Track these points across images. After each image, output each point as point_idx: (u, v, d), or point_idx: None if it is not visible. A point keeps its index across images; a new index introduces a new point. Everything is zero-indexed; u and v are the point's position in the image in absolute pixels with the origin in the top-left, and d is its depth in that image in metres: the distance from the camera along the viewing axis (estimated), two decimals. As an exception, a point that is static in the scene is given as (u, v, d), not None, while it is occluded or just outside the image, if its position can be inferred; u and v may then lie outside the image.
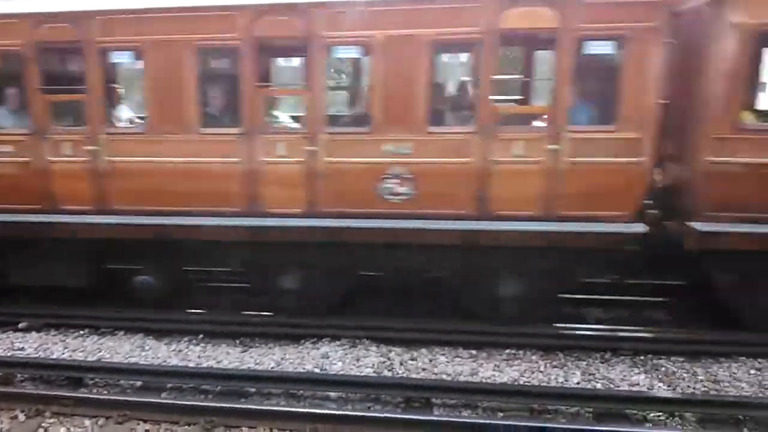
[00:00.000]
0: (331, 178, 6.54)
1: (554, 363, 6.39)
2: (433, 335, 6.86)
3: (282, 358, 6.57)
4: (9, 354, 6.75)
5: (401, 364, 6.40)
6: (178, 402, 5.59)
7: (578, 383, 6.00)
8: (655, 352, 6.53)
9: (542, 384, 5.97)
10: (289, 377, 5.99)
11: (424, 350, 6.67)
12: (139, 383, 6.14)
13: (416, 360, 6.48)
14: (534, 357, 6.52)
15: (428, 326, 6.98)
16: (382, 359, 6.48)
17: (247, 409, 5.41)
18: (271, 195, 6.70)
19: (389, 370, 6.29)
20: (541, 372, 6.21)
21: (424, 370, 6.29)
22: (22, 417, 5.60)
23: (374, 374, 6.18)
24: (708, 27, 6.05)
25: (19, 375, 6.30)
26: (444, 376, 6.16)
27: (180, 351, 6.81)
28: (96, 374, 6.23)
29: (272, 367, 6.37)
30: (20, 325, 7.43)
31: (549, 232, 6.36)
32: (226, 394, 5.91)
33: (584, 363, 6.40)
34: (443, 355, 6.59)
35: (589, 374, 6.16)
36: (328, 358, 6.52)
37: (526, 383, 5.99)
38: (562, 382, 6.02)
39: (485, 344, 6.75)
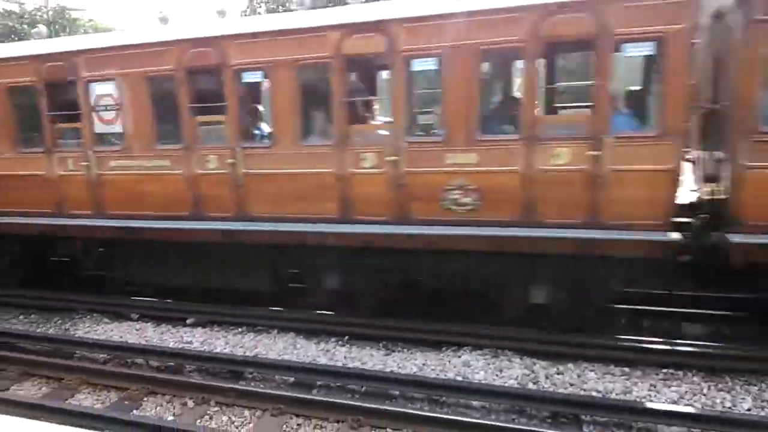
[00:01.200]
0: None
1: (720, 386, 5.85)
2: (581, 350, 6.56)
3: (423, 364, 6.63)
4: (179, 346, 7.45)
5: (546, 377, 6.21)
6: (328, 399, 5.84)
7: (749, 410, 5.44)
8: None
9: (706, 408, 5.49)
10: (432, 383, 6.03)
11: (571, 365, 6.41)
12: (291, 379, 6.51)
13: (563, 374, 6.25)
14: (695, 378, 6.01)
15: (575, 340, 6.68)
16: (526, 371, 6.32)
17: (393, 411, 5.52)
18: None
19: (534, 383, 6.12)
20: (704, 395, 5.71)
21: (571, 385, 6.05)
22: (191, 404, 6.16)
23: (518, 386, 6.05)
24: None
25: (188, 366, 6.94)
26: (594, 393, 5.87)
27: (328, 351, 7.12)
28: (254, 369, 6.70)
29: (414, 372, 6.46)
30: (188, 321, 8.20)
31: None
32: (371, 394, 6.09)
33: (755, 388, 5.79)
34: (592, 371, 6.28)
35: (762, 400, 5.56)
36: (469, 366, 6.48)
37: (687, 405, 5.53)
38: (729, 407, 5.50)
39: (638, 362, 6.35)
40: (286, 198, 7.32)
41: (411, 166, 6.72)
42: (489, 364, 6.47)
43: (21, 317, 8.96)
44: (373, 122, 7.62)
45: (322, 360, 6.90)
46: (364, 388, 6.20)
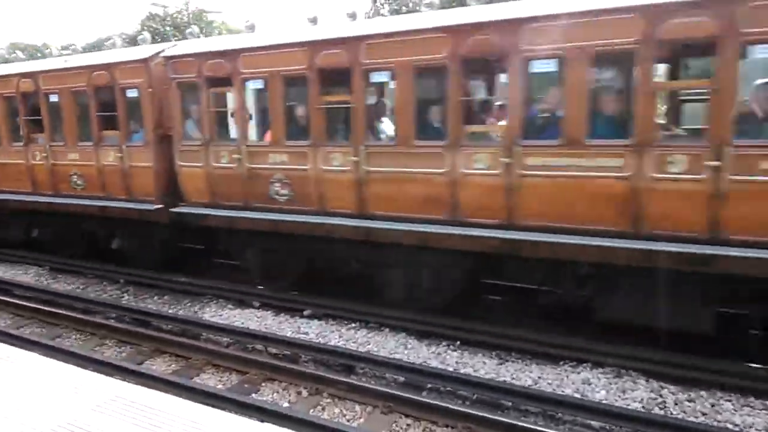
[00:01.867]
0: None
1: None
2: (716, 377, 6.02)
3: (539, 377, 6.39)
4: (296, 336, 7.70)
5: (676, 403, 5.76)
6: (439, 403, 5.76)
7: None
8: None
9: None
10: (548, 398, 5.79)
11: (703, 392, 5.89)
12: (401, 379, 6.51)
13: (694, 402, 5.76)
14: None
15: (711, 366, 6.14)
16: (652, 395, 5.90)
17: (507, 422, 5.34)
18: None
19: (661, 408, 5.70)
20: None
21: (704, 414, 5.57)
22: (305, 393, 6.35)
23: (643, 409, 5.66)
24: None
25: (303, 356, 7.15)
26: (729, 425, 5.36)
27: (439, 354, 7.05)
28: (365, 365, 6.77)
29: (529, 385, 6.23)
30: (305, 313, 8.46)
31: None
32: (483, 403, 5.94)
33: None
34: (729, 401, 5.74)
35: None
36: (589, 384, 6.15)
37: None
38: None
39: (784, 396, 5.73)
40: (11, 180, 11.67)
41: (54, 161, 10.86)
42: (611, 384, 6.11)
43: (155, 298, 9.70)
44: (41, 132, 11.16)
45: (433, 363, 6.83)
46: (475, 396, 6.06)
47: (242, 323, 8.24)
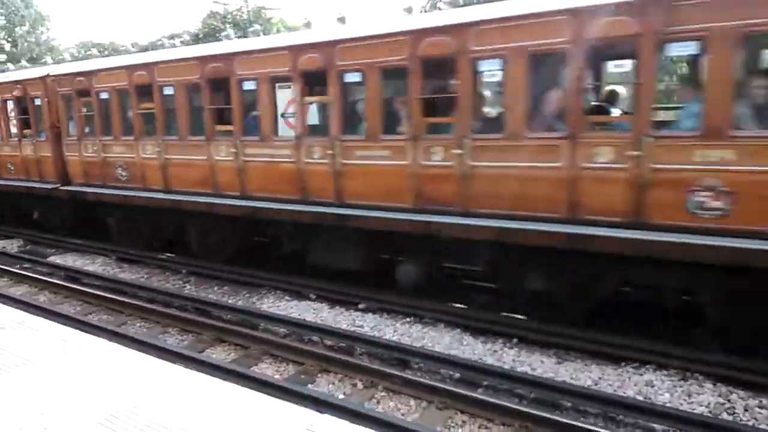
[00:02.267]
0: None
1: None
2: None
3: (599, 378, 6.22)
4: (351, 329, 7.75)
5: (746, 409, 5.51)
6: (496, 401, 5.68)
7: None
8: None
9: None
10: (609, 399, 5.63)
11: (776, 399, 5.62)
12: (457, 375, 6.46)
13: (766, 408, 5.49)
14: None
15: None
16: (719, 399, 5.67)
17: (566, 423, 5.22)
18: None
19: (729, 414, 5.47)
20: None
21: (777, 422, 5.30)
22: (360, 386, 6.38)
23: (710, 414, 5.43)
24: None
25: (358, 348, 7.19)
26: (806, 435, 5.09)
27: (495, 351, 6.96)
28: (420, 360, 6.75)
29: (589, 385, 6.08)
30: (360, 306, 8.51)
31: None
32: (540, 402, 5.83)
33: None
34: (805, 409, 5.45)
35: None
36: (652, 386, 5.95)
37: None
38: None
39: None
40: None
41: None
42: (675, 387, 5.89)
43: (216, 288, 9.95)
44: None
45: (489, 360, 6.75)
46: (532, 395, 5.95)
47: (299, 315, 8.36)
